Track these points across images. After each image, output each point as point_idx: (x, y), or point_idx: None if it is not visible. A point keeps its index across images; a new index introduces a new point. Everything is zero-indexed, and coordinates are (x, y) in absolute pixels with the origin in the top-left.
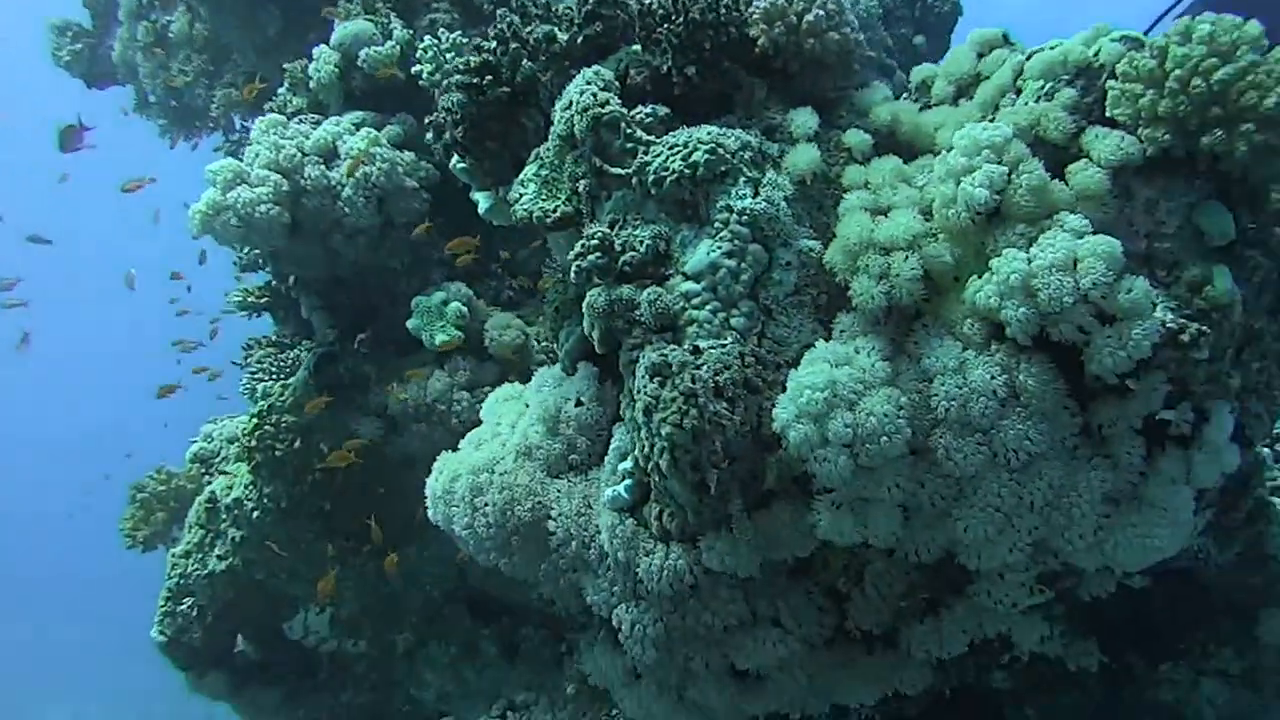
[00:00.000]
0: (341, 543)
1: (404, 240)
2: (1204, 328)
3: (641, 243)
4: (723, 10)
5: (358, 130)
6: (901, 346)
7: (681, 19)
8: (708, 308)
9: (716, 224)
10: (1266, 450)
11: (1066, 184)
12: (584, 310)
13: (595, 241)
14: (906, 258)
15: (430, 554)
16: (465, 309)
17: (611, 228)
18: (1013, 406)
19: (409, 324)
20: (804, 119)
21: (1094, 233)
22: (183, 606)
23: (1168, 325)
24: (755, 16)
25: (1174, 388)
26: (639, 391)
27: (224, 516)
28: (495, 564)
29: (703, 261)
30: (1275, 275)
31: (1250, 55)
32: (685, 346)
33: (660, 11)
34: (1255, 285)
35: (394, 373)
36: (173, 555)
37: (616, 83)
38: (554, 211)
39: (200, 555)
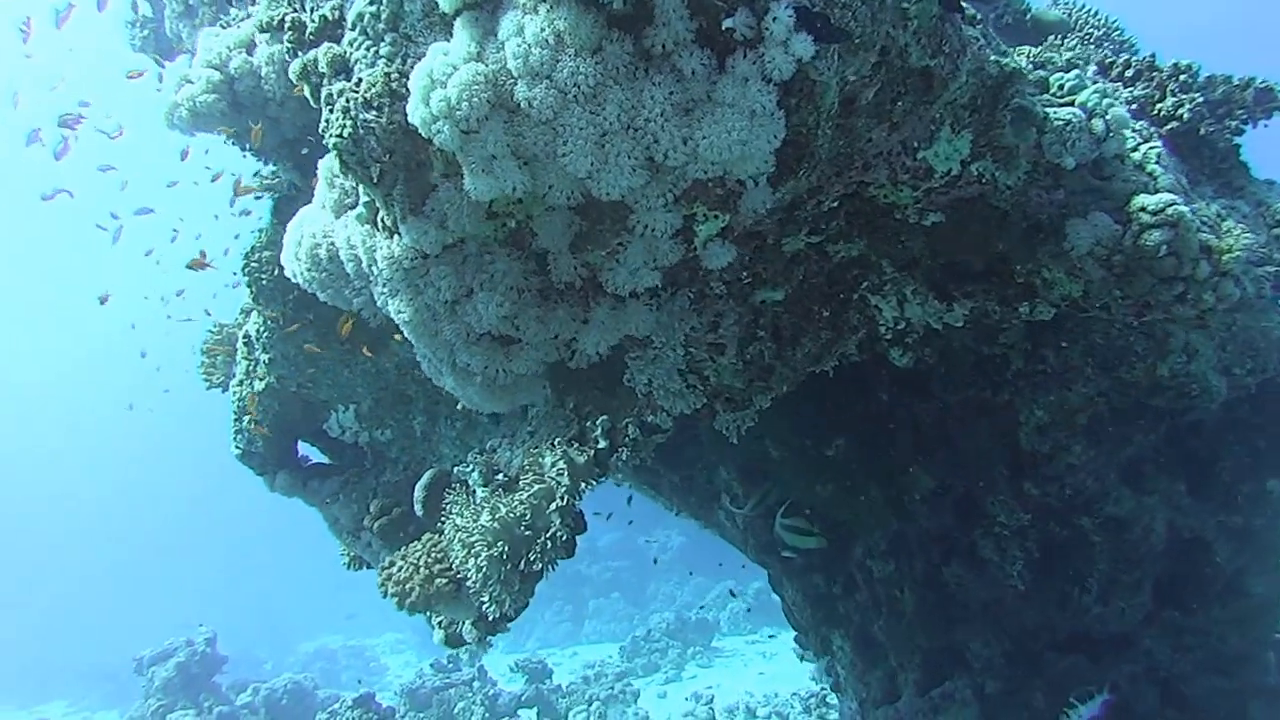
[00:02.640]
0: (338, 346)
1: None
2: None
3: (319, 15)
4: None
5: None
6: (492, 30)
7: None
8: (363, 47)
9: None
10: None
11: None
12: (291, 78)
13: (290, 24)
14: None
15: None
16: None
17: (311, 13)
18: (563, 49)
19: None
20: None
21: None
22: (244, 423)
23: None
24: None
25: None
26: (325, 121)
27: (255, 345)
28: (326, 299)
29: (354, 13)
30: None
31: None
32: (353, 80)
33: None
34: None
35: None
36: (233, 385)
37: None
38: (279, 16)
39: (248, 381)
